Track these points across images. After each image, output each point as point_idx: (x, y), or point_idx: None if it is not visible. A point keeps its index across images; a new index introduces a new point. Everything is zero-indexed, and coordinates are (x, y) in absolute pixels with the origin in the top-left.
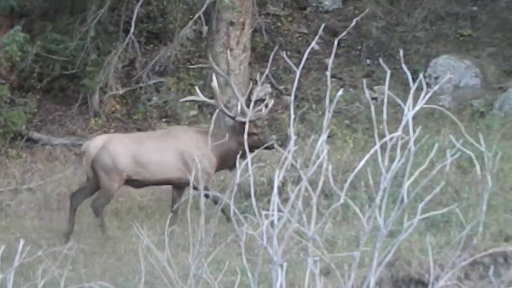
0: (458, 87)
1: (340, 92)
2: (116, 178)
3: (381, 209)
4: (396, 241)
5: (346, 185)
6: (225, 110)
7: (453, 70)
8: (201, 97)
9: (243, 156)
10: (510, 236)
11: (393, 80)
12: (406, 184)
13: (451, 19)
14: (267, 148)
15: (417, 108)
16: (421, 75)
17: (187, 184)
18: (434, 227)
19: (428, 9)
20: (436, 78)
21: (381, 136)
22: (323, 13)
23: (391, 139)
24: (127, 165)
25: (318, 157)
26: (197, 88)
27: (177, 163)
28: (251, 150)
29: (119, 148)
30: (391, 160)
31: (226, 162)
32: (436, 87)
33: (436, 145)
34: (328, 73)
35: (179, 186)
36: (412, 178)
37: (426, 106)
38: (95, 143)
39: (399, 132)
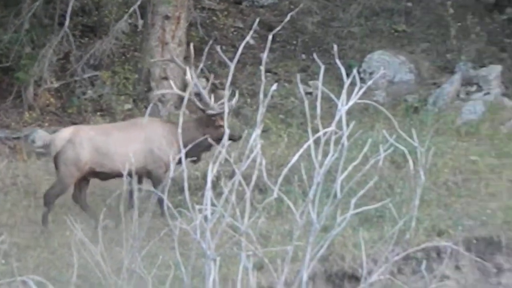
0: (392, 82)
1: (274, 86)
2: (75, 173)
3: (315, 204)
4: (330, 235)
5: (280, 180)
6: (197, 102)
7: (387, 65)
8: (174, 89)
9: (206, 149)
10: (443, 231)
11: (328, 75)
12: (340, 179)
13: (386, 14)
14: (233, 140)
15: (350, 103)
16: (355, 71)
17: (149, 174)
18: (367, 222)
19: (363, 4)
20: (370, 73)
21: (315, 131)
22: (259, 7)
23: (324, 134)
24: (91, 159)
25: (252, 151)
26: (171, 81)
27: (143, 153)
28: (218, 142)
29: (85, 141)
30: (325, 155)
31: (189, 154)
32: (369, 82)
33: (370, 140)
34: (262, 68)
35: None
36: (345, 173)
37: (360, 101)
38: (62, 136)
39: (332, 127)
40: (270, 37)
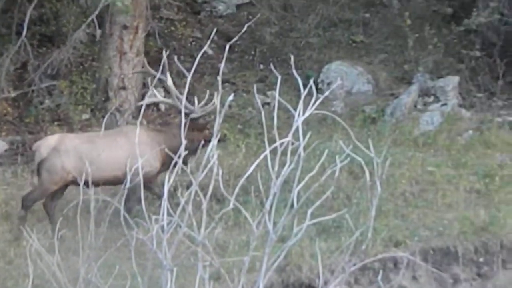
0: (350, 93)
1: (231, 97)
2: (58, 181)
3: (272, 214)
4: (286, 246)
5: (237, 190)
6: (179, 106)
7: (345, 76)
8: (159, 97)
9: (192, 153)
10: (400, 241)
11: (286, 86)
12: (296, 189)
13: (344, 25)
14: (218, 141)
15: (307, 114)
16: (312, 81)
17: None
18: (324, 232)
19: (321, 15)
20: (328, 84)
21: (273, 141)
22: (217, 18)
23: (282, 144)
24: (75, 167)
25: (209, 161)
26: (154, 89)
27: (126, 161)
28: (204, 145)
29: (70, 149)
30: (282, 165)
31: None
32: (327, 93)
33: (327, 151)
34: (219, 78)
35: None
36: (302, 183)
37: (317, 111)
38: (47, 143)
39: (289, 138)
40: (228, 47)
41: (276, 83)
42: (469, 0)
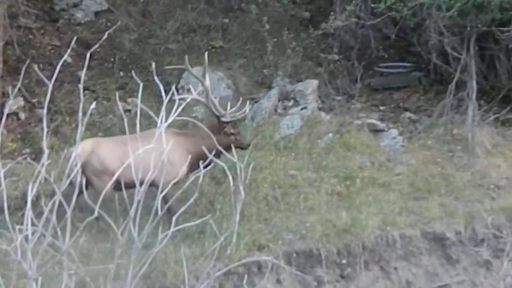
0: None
1: (93, 105)
2: (107, 180)
3: (136, 222)
4: (151, 253)
5: (101, 198)
6: (213, 109)
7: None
8: (194, 95)
9: (218, 157)
10: (264, 245)
11: (146, 92)
12: (160, 196)
13: (203, 31)
14: (242, 148)
15: (169, 120)
16: (173, 87)
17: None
18: (189, 238)
19: (180, 21)
20: (189, 90)
21: None
22: (76, 25)
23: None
24: (117, 168)
25: (72, 170)
26: (192, 88)
27: (155, 163)
28: (227, 150)
29: (108, 152)
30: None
31: (204, 162)
32: (189, 99)
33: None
34: (81, 86)
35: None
36: (166, 190)
37: (179, 118)
38: (84, 148)
39: (151, 145)
40: (88, 55)
41: (136, 90)
42: (326, 4)
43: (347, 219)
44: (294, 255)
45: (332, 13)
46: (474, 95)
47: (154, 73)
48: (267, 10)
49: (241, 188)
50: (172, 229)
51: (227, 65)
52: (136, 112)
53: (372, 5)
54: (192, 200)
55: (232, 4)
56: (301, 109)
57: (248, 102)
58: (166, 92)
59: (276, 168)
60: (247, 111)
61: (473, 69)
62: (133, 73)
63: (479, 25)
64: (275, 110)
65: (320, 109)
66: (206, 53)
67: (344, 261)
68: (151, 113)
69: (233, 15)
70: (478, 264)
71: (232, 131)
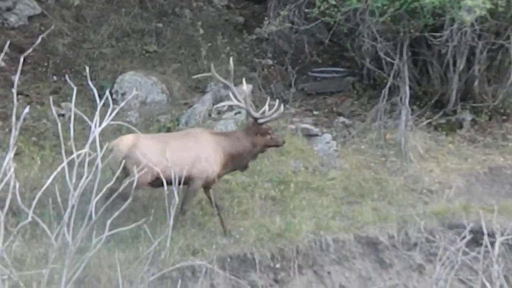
0: (145, 103)
1: (27, 109)
2: (148, 176)
3: (70, 226)
4: (85, 257)
5: (34, 203)
6: (251, 111)
7: (139, 86)
8: (233, 101)
9: (253, 157)
10: (197, 249)
11: (80, 97)
12: (94, 201)
13: (137, 35)
14: (277, 146)
15: (104, 125)
16: (107, 92)
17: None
18: (123, 242)
19: (114, 25)
20: (123, 94)
21: (69, 153)
22: (9, 29)
23: (78, 156)
24: (157, 163)
25: (5, 175)
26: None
27: (193, 162)
28: (263, 150)
29: (148, 147)
30: (80, 177)
31: (239, 163)
32: (122, 104)
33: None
34: (14, 90)
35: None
36: (100, 194)
37: (113, 122)
38: (125, 142)
39: (86, 149)
40: (21, 59)
41: (70, 95)
42: (260, 9)
43: (281, 223)
44: (228, 259)
45: (266, 18)
46: (407, 100)
47: (88, 77)
48: (201, 14)
49: (175, 192)
50: (106, 233)
51: (161, 69)
52: (70, 117)
53: (306, 10)
54: (126, 204)
55: (166, 8)
56: (235, 113)
57: (277, 101)
58: (100, 97)
59: None
60: (282, 109)
61: (406, 74)
62: (67, 77)
63: (412, 31)
64: (209, 115)
65: None
66: (231, 58)
67: (278, 266)
68: (85, 118)
69: (167, 20)
70: (411, 268)
71: (268, 131)
